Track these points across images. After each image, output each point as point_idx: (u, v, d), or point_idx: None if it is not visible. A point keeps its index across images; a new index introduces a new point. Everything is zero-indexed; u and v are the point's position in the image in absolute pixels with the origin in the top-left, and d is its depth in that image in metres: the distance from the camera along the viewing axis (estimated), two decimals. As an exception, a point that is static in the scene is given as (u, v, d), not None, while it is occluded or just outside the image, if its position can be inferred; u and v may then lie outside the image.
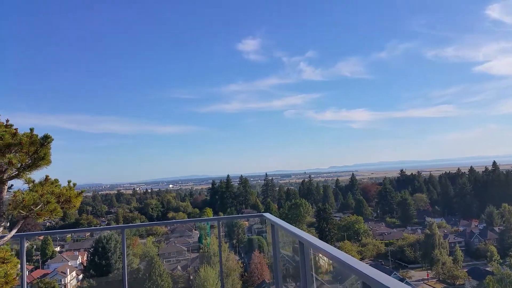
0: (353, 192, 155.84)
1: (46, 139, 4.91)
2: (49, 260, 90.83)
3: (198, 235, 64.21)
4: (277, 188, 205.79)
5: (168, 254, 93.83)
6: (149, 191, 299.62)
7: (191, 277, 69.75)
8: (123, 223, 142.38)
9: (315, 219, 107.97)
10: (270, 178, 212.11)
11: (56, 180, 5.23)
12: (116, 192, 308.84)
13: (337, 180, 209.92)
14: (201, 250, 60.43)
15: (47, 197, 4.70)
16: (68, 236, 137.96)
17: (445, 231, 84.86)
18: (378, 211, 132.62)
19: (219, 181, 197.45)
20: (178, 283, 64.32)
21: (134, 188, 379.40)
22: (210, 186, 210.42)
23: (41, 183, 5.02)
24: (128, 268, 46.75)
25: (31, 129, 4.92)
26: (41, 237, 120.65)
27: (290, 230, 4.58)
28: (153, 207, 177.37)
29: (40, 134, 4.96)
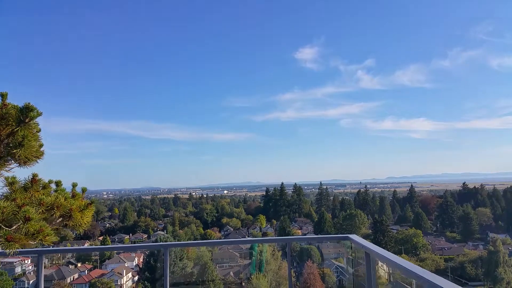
0: (411, 204, 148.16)
1: (27, 112, 2.92)
2: (107, 261, 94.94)
3: (250, 261, 63.89)
4: (332, 198, 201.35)
5: (221, 259, 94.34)
6: (205, 196, 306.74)
7: (243, 284, 69.38)
8: (179, 228, 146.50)
9: (370, 231, 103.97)
10: (325, 187, 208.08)
11: (50, 182, 3.40)
12: (173, 196, 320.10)
13: (395, 191, 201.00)
14: (253, 257, 59.79)
15: (25, 211, 2.65)
16: (126, 237, 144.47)
17: (510, 248, 78.24)
18: (438, 225, 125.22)
19: (273, 188, 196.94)
20: (230, 289, 64.28)
21: (190, 193, 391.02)
22: (264, 193, 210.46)
23: (25, 187, 3.25)
24: (182, 271, 46.97)
25: (3, 95, 3.00)
26: (100, 238, 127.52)
27: (399, 263, 3.23)
28: (208, 212, 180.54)
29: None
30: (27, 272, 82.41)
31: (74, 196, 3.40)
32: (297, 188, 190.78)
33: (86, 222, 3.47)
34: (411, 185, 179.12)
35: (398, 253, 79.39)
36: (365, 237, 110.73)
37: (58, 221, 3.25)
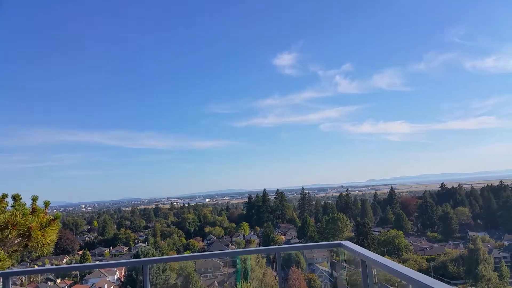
0: (392, 205, 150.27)
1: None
2: (87, 275, 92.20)
3: (234, 270, 62.95)
4: (314, 202, 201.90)
5: (205, 269, 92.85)
6: (186, 205, 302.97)
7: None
8: (160, 239, 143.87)
9: (353, 234, 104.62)
10: (307, 192, 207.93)
11: (4, 196, 2.93)
12: (154, 206, 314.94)
13: (375, 193, 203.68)
14: (238, 266, 58.99)
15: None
16: (106, 250, 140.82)
17: (489, 245, 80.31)
18: (419, 225, 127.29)
19: (255, 195, 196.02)
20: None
21: (171, 202, 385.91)
22: (247, 200, 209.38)
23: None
24: (165, 284, 45.64)
25: None
26: (80, 252, 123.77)
27: (398, 270, 3.06)
28: (190, 222, 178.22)
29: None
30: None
31: (34, 211, 2.88)
32: (280, 194, 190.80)
33: (49, 242, 3.02)
34: (391, 187, 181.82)
35: (381, 254, 79.83)
36: (349, 240, 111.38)
37: (16, 241, 2.80)
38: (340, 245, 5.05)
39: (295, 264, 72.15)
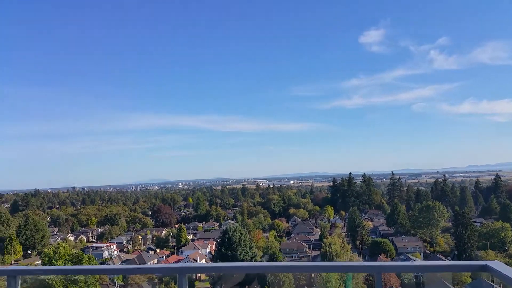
0: (497, 194, 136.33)
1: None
2: (183, 247, 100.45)
3: (319, 253, 63.17)
4: (405, 188, 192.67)
5: (290, 249, 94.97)
6: (271, 186, 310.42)
7: (313, 275, 69.05)
8: (247, 217, 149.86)
9: (450, 224, 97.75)
10: (397, 177, 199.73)
11: None
12: (241, 186, 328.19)
13: (477, 180, 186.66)
14: (322, 249, 59.14)
15: None
16: (199, 225, 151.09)
17: None
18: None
19: (340, 179, 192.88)
20: (299, 279, 64.20)
21: (257, 183, 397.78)
22: (331, 183, 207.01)
23: None
24: (252, 260, 47.74)
25: None
26: (176, 225, 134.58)
27: None
28: (275, 202, 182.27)
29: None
30: (113, 256, 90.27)
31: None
32: (367, 178, 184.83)
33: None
34: (496, 173, 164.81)
35: (482, 248, 73.57)
36: (444, 230, 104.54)
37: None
38: (485, 268, 2.93)
39: (383, 252, 70.07)
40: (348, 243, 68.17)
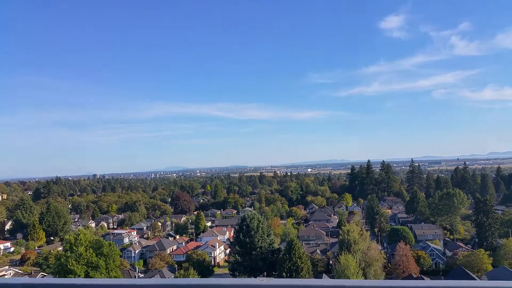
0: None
1: None
2: (201, 234, 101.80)
3: (337, 240, 62.65)
4: (425, 176, 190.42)
5: (307, 236, 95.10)
6: (289, 174, 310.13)
7: (331, 262, 69.05)
8: (265, 205, 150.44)
9: (471, 212, 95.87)
10: (417, 164, 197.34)
11: None
12: (259, 174, 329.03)
13: (499, 168, 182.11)
14: (340, 236, 58.85)
15: None
16: (217, 212, 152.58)
17: None
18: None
19: (358, 166, 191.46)
20: (317, 266, 64.30)
21: (275, 171, 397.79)
22: (349, 171, 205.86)
23: None
24: (269, 247, 47.81)
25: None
26: (195, 212, 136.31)
27: None
28: (292, 190, 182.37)
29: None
30: (133, 242, 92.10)
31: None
32: (386, 166, 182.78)
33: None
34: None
35: (504, 236, 71.95)
36: (465, 218, 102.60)
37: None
38: None
39: (403, 239, 69.28)
40: (366, 230, 67.61)
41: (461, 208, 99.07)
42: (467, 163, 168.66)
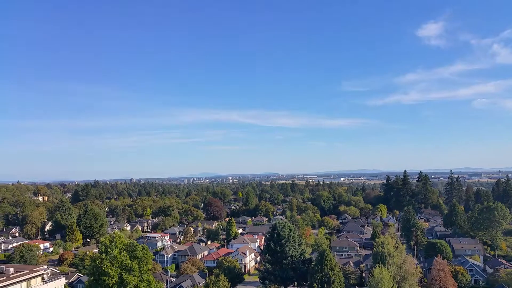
0: None
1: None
2: (232, 240, 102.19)
3: (371, 253, 61.00)
4: (464, 188, 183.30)
5: (340, 247, 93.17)
6: (321, 183, 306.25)
7: (364, 275, 67.18)
8: (296, 213, 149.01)
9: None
10: (456, 176, 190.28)
11: None
12: (290, 182, 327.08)
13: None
14: (374, 249, 57.19)
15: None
16: (249, 219, 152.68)
17: None
18: None
19: (394, 176, 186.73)
20: (349, 278, 62.76)
21: (307, 179, 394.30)
22: (384, 181, 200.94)
23: None
24: (301, 256, 47.15)
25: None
26: (226, 219, 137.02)
27: None
28: (324, 199, 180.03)
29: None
30: (166, 247, 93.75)
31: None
32: (423, 177, 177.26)
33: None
34: None
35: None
36: (507, 233, 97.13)
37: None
38: None
39: (440, 253, 66.47)
40: (402, 243, 65.41)
41: (503, 223, 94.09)
42: (509, 175, 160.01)
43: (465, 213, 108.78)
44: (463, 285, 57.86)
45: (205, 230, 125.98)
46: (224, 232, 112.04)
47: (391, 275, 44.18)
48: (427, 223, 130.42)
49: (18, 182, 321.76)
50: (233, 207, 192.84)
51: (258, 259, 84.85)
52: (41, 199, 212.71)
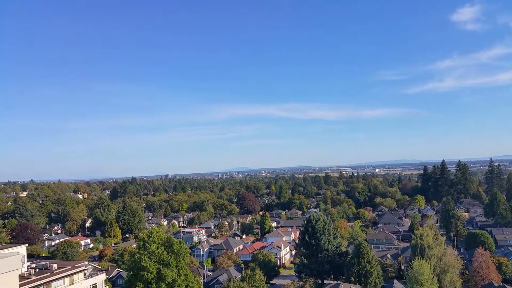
0: None
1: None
2: (266, 234, 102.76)
3: (409, 245, 59.58)
4: (506, 176, 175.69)
5: (377, 240, 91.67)
6: (355, 174, 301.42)
7: (402, 267, 65.81)
8: (331, 206, 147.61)
9: None
10: (496, 164, 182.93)
11: None
12: (324, 174, 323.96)
13: None
14: (413, 241, 55.89)
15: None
16: (282, 213, 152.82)
17: None
18: None
19: (431, 166, 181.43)
20: (388, 271, 61.65)
21: (340, 171, 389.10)
22: (422, 171, 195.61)
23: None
24: (336, 250, 46.96)
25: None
26: (260, 212, 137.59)
27: None
28: (359, 191, 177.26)
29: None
30: (202, 241, 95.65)
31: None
32: (462, 166, 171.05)
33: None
34: None
35: None
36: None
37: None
38: None
39: (482, 244, 64.12)
40: (441, 234, 63.51)
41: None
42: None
43: (507, 202, 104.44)
44: (507, 277, 55.50)
45: (239, 224, 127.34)
46: (258, 226, 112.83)
47: (430, 267, 43.13)
48: (467, 214, 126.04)
49: (59, 180, 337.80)
50: (266, 201, 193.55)
51: (293, 252, 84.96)
52: (81, 196, 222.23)
